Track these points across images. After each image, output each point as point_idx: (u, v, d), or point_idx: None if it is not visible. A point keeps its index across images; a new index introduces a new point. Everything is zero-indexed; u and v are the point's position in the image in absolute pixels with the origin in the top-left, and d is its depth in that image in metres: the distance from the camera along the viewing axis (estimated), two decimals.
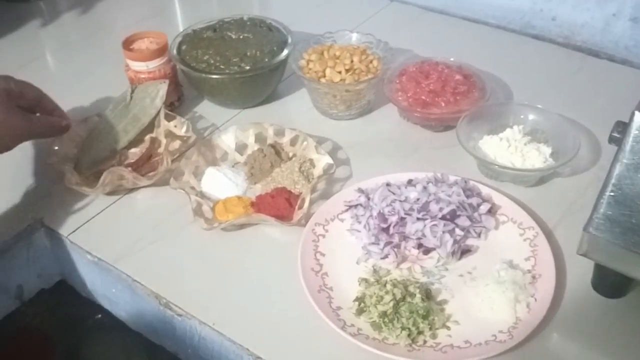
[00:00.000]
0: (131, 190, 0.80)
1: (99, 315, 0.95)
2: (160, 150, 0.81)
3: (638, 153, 0.55)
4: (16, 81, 0.74)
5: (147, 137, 0.84)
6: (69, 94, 0.98)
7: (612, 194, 0.57)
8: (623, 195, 0.57)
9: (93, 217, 0.77)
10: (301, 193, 0.76)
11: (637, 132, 0.55)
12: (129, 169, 0.79)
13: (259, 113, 0.92)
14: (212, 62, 0.88)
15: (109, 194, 0.79)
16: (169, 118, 0.84)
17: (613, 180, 0.57)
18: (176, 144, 0.84)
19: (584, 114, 0.86)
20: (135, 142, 0.84)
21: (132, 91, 0.86)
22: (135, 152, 0.84)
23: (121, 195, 0.79)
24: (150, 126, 0.84)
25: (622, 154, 0.56)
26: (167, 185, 0.77)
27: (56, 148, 0.82)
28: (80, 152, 0.83)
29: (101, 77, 1.00)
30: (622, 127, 0.57)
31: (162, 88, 0.85)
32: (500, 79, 0.95)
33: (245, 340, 0.63)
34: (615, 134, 0.58)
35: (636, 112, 0.55)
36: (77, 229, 0.76)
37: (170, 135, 0.84)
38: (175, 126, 0.84)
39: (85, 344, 0.93)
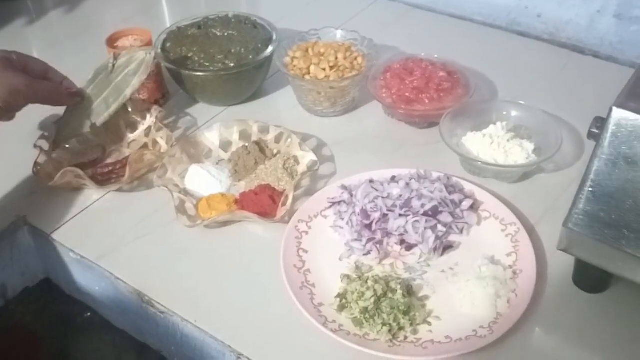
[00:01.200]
0: (115, 188, 0.79)
1: (88, 314, 0.95)
2: (147, 158, 0.80)
3: (616, 149, 0.56)
4: (19, 54, 0.74)
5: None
6: None
7: (590, 189, 0.58)
8: (602, 190, 0.57)
9: (76, 214, 0.77)
10: (285, 190, 0.76)
11: (614, 127, 0.55)
12: (104, 168, 0.80)
13: (244, 110, 0.92)
14: (196, 59, 0.88)
15: (100, 189, 0.79)
16: (157, 128, 0.83)
17: (592, 176, 0.57)
18: (149, 156, 0.80)
19: (568, 111, 0.86)
20: (129, 145, 0.85)
21: (115, 58, 0.83)
22: (124, 153, 0.84)
23: (105, 193, 0.79)
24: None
25: (600, 149, 0.57)
26: (151, 182, 0.77)
27: (46, 134, 0.82)
28: (58, 126, 0.82)
29: (88, 75, 1.00)
30: (601, 122, 0.57)
31: (147, 57, 0.81)
32: (486, 76, 0.96)
33: (227, 337, 0.63)
34: (594, 130, 0.58)
35: (614, 108, 0.55)
36: (60, 227, 0.76)
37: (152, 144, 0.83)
38: (162, 137, 0.83)
39: (74, 342, 0.93)
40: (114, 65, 0.83)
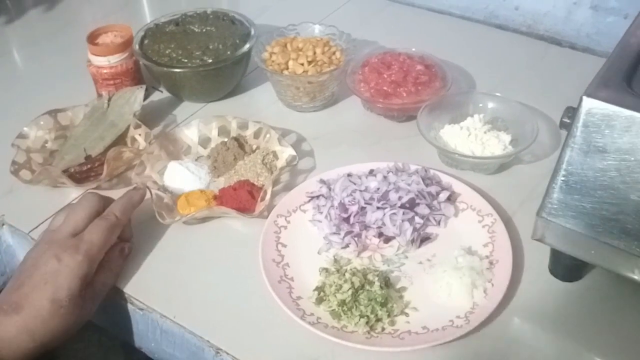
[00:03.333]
0: (93, 186, 0.79)
1: None
2: (125, 155, 0.80)
3: (587, 138, 0.56)
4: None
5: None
6: (36, 90, 0.98)
7: (563, 179, 0.58)
8: (574, 180, 0.57)
9: (54, 213, 0.76)
10: (264, 185, 0.76)
11: (585, 117, 0.56)
12: (82, 167, 0.79)
13: (223, 107, 0.92)
14: (174, 55, 0.87)
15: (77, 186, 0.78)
16: (136, 125, 0.83)
17: (564, 166, 0.58)
18: (127, 153, 0.80)
19: (546, 102, 0.87)
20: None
21: (109, 99, 0.86)
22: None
23: (83, 191, 0.79)
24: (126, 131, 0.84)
25: (572, 139, 0.57)
26: (129, 180, 0.77)
27: (25, 130, 0.83)
28: (54, 159, 0.82)
29: (68, 73, 1.00)
30: (572, 112, 0.58)
31: (139, 93, 0.85)
32: (464, 69, 0.96)
33: (206, 332, 0.63)
34: (566, 120, 0.59)
35: (584, 98, 0.56)
36: (39, 226, 0.75)
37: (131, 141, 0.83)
38: (140, 135, 0.83)
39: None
40: (109, 105, 0.85)
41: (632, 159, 0.54)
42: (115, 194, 0.78)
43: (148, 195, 0.74)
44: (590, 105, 0.55)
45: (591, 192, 0.57)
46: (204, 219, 0.75)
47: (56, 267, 0.61)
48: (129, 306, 0.68)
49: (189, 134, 0.83)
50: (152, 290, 0.68)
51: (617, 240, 0.56)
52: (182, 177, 0.78)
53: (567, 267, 0.65)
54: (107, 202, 0.70)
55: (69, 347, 0.92)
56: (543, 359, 0.60)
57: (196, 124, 0.83)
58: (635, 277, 0.57)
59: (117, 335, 0.75)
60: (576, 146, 0.57)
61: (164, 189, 0.77)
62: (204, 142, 0.83)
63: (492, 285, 0.63)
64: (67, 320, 0.61)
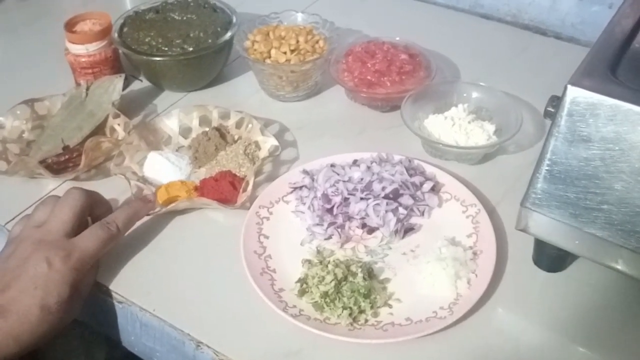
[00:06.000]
0: (71, 177, 0.77)
1: None
2: (104, 145, 0.78)
3: (571, 127, 0.56)
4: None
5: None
6: (12, 79, 0.96)
7: (547, 168, 0.58)
8: (558, 169, 0.57)
9: (32, 204, 0.75)
10: (246, 176, 0.75)
11: (570, 106, 0.55)
12: (60, 157, 0.78)
13: (205, 96, 0.91)
14: (154, 44, 0.86)
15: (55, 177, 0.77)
16: (115, 115, 0.81)
17: (548, 155, 0.57)
18: (106, 143, 0.79)
19: (530, 92, 0.86)
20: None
21: (88, 88, 0.84)
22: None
23: (61, 182, 0.77)
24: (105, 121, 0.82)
25: (556, 128, 0.56)
26: (108, 171, 0.76)
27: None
28: (31, 149, 0.80)
29: (45, 61, 0.98)
30: (556, 101, 0.57)
31: (118, 82, 0.83)
32: (449, 59, 0.95)
33: (186, 325, 0.62)
34: (550, 109, 0.58)
35: (568, 86, 0.55)
36: (15, 217, 0.74)
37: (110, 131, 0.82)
38: (119, 124, 0.81)
39: None
40: (87, 94, 0.83)
41: (617, 148, 0.53)
42: (94, 184, 0.77)
43: (128, 186, 0.72)
44: (575, 94, 0.55)
45: (575, 181, 0.56)
46: (184, 211, 0.73)
47: (46, 272, 0.59)
48: (108, 299, 0.67)
49: (169, 123, 0.81)
50: (131, 283, 0.66)
51: (601, 230, 0.56)
52: (162, 167, 0.76)
53: (550, 258, 0.65)
54: (93, 197, 0.68)
55: (50, 343, 0.90)
56: (527, 348, 0.59)
57: (176, 113, 0.81)
58: (619, 267, 0.57)
59: (98, 329, 0.74)
60: (560, 135, 0.56)
61: (144, 180, 0.76)
62: (185, 132, 0.82)
63: (476, 275, 0.63)
64: (54, 325, 0.59)
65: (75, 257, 0.61)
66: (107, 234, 0.64)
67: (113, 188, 0.75)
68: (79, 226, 0.64)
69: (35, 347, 0.59)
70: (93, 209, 0.67)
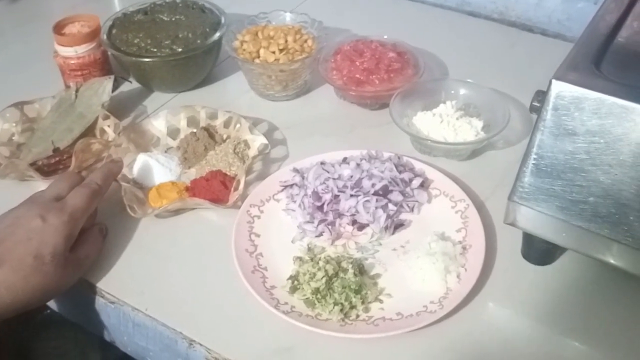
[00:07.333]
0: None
1: (48, 311, 0.93)
2: (94, 147, 0.79)
3: (557, 121, 0.56)
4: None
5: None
6: (1, 82, 0.96)
7: (534, 162, 0.58)
8: (545, 163, 0.58)
9: None
10: (237, 175, 0.75)
11: (555, 100, 0.56)
12: (50, 159, 0.78)
13: (195, 96, 0.91)
14: (142, 45, 0.86)
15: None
16: (104, 117, 0.82)
17: (534, 149, 0.58)
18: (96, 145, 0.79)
19: (518, 88, 0.87)
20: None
21: (77, 90, 0.84)
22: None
23: None
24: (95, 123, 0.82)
25: (542, 122, 0.57)
26: None
27: None
28: (21, 152, 0.80)
29: (34, 64, 0.98)
30: (542, 96, 0.58)
31: (108, 84, 0.84)
32: (437, 56, 0.96)
33: (179, 324, 0.62)
34: (535, 103, 0.59)
35: (553, 81, 0.56)
36: None
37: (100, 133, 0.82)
38: (109, 126, 0.81)
39: (35, 340, 0.90)
40: (77, 96, 0.84)
41: (602, 141, 0.54)
42: None
43: (119, 188, 0.72)
44: (560, 88, 0.55)
45: (561, 174, 0.57)
46: (176, 211, 0.74)
47: (41, 226, 0.61)
48: (100, 300, 0.67)
49: (157, 125, 0.81)
50: (123, 283, 0.67)
51: (588, 222, 0.57)
52: (152, 169, 0.76)
53: (539, 251, 0.65)
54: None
55: (45, 345, 0.90)
56: (516, 342, 0.60)
57: (164, 115, 0.82)
58: (607, 259, 0.58)
59: (90, 330, 0.74)
60: (546, 129, 0.57)
61: (134, 182, 0.76)
62: (173, 133, 0.82)
63: (466, 270, 0.64)
64: (48, 279, 0.60)
65: (67, 211, 0.63)
66: (90, 189, 0.67)
67: None
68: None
69: (27, 305, 0.60)
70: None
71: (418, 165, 0.75)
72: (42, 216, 0.62)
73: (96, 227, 0.70)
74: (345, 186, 0.71)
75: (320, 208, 0.70)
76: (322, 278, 0.62)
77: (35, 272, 0.59)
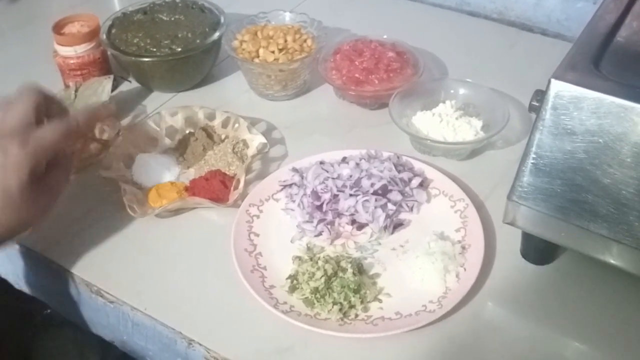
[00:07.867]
0: None
1: (48, 311, 0.93)
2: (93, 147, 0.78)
3: (556, 120, 0.56)
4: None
5: None
6: (1, 83, 0.95)
7: (533, 162, 0.58)
8: (543, 162, 0.58)
9: None
10: (236, 174, 0.75)
11: (554, 99, 0.56)
12: None
13: (194, 96, 0.91)
14: (142, 45, 0.86)
15: None
16: None
17: (533, 149, 0.58)
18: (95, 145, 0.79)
19: (517, 88, 0.87)
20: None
21: (76, 89, 0.84)
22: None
23: None
24: None
25: (541, 121, 0.57)
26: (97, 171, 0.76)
27: None
28: None
29: (34, 63, 0.98)
30: (541, 95, 0.58)
31: (107, 83, 0.83)
32: (436, 56, 0.96)
33: (178, 324, 0.62)
34: (534, 103, 0.59)
35: (552, 80, 0.56)
36: None
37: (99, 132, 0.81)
38: (108, 125, 0.81)
39: (36, 340, 0.91)
40: (76, 95, 0.83)
41: (600, 140, 0.54)
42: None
43: (118, 188, 0.72)
44: (559, 87, 0.55)
45: (560, 174, 0.57)
46: (176, 211, 0.74)
47: (2, 159, 0.57)
48: (100, 299, 0.67)
49: (155, 125, 0.81)
50: (122, 283, 0.67)
51: (586, 222, 0.57)
52: (151, 170, 0.76)
53: (538, 250, 0.65)
54: (48, 93, 0.64)
55: (44, 345, 0.90)
56: (516, 341, 0.60)
57: (162, 115, 0.81)
58: (606, 258, 0.58)
59: (89, 330, 0.74)
60: (545, 129, 0.57)
61: (134, 183, 0.76)
62: (171, 133, 0.82)
63: (465, 269, 0.64)
64: (19, 213, 0.59)
65: (32, 145, 0.59)
66: (66, 125, 0.62)
67: (103, 190, 0.75)
68: (37, 122, 0.62)
69: (12, 234, 0.60)
70: (49, 106, 0.64)
71: (417, 165, 0.75)
72: (4, 148, 0.58)
73: (67, 150, 0.65)
74: (344, 186, 0.71)
75: (320, 207, 0.70)
76: (321, 277, 0.62)
77: (4, 208, 0.58)
